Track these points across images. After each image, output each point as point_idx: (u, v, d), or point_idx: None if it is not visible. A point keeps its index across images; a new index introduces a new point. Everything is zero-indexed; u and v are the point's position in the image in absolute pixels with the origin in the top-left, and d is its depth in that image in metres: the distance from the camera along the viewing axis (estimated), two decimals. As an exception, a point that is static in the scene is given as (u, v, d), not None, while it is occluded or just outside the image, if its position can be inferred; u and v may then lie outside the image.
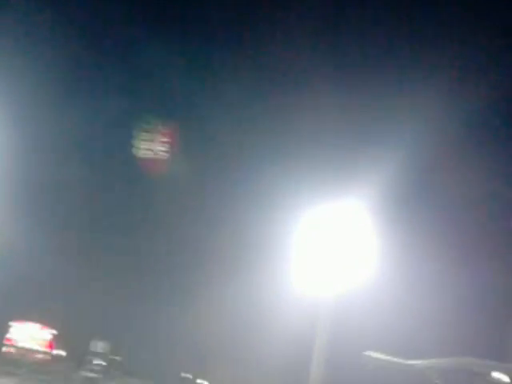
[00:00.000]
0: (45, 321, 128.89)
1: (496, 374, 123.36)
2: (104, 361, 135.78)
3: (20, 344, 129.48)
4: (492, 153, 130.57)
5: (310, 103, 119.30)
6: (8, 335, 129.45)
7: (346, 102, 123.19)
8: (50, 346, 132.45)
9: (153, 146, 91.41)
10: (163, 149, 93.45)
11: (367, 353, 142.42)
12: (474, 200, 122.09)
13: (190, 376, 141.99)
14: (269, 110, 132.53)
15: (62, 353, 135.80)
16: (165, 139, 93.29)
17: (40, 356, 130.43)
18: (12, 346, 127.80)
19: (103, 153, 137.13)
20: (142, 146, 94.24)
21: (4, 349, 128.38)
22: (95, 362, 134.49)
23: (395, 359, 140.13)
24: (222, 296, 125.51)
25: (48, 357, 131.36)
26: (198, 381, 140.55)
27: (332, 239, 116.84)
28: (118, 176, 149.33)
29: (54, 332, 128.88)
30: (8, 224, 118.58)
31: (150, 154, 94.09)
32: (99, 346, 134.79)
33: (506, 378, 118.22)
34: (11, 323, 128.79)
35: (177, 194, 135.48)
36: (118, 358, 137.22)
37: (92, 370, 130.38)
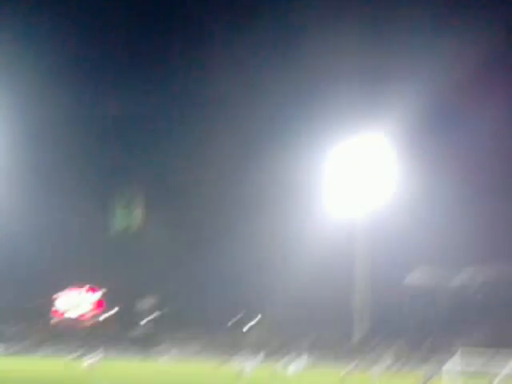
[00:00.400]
0: (93, 283, 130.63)
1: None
2: (154, 316, 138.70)
3: (67, 313, 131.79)
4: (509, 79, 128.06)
5: (334, 44, 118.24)
6: (55, 305, 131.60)
7: (367, 42, 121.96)
8: (99, 308, 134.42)
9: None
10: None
11: (407, 281, 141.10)
12: (492, 127, 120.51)
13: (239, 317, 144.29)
14: (297, 53, 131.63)
15: (112, 312, 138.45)
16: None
17: (89, 321, 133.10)
18: (60, 316, 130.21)
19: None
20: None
21: (53, 319, 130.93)
22: (145, 318, 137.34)
23: (433, 282, 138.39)
24: (261, 231, 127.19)
25: (97, 319, 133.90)
26: (252, 322, 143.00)
27: (360, 166, 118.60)
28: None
29: (100, 294, 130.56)
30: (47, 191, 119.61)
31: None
32: (148, 302, 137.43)
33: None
34: (59, 293, 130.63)
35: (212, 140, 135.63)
36: (166, 311, 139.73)
37: (143, 327, 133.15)
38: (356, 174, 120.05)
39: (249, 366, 69.37)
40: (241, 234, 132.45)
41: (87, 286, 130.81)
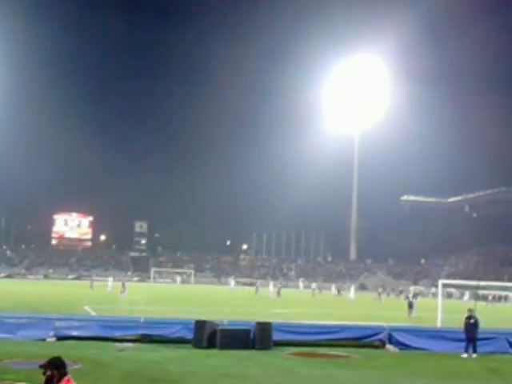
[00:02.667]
0: (86, 209, 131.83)
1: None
2: (147, 240, 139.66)
3: (66, 235, 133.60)
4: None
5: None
6: (54, 228, 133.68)
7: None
8: (92, 233, 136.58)
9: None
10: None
11: (403, 197, 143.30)
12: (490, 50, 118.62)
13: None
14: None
15: (103, 237, 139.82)
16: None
17: (84, 244, 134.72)
18: (59, 237, 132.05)
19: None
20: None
21: (53, 241, 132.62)
22: (139, 241, 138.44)
23: (430, 199, 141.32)
24: (260, 151, 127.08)
25: (92, 243, 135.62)
26: (244, 246, 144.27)
27: (356, 87, 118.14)
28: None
29: (92, 219, 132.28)
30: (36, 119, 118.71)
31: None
32: (141, 226, 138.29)
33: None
34: (56, 216, 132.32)
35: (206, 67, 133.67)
36: (158, 235, 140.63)
37: (137, 250, 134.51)
38: (353, 94, 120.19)
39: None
40: (239, 155, 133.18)
41: (81, 213, 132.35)
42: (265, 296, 64.26)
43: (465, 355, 22.39)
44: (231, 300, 55.05)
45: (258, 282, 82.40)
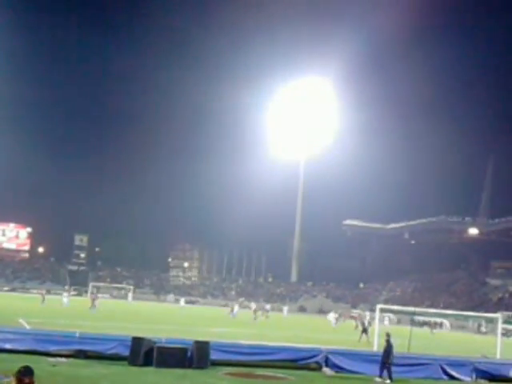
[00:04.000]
0: (23, 220, 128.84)
1: (472, 230, 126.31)
2: (87, 253, 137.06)
3: (2, 245, 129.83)
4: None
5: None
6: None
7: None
8: (30, 245, 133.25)
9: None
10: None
11: (346, 221, 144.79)
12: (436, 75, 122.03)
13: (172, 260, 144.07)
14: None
15: (41, 249, 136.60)
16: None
17: (22, 255, 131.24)
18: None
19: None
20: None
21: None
22: (79, 255, 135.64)
23: (372, 224, 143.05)
24: (206, 175, 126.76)
25: (29, 255, 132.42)
26: (185, 264, 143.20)
27: (302, 110, 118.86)
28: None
29: (30, 230, 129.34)
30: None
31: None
32: (81, 239, 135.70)
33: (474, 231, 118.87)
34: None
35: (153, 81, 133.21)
36: (98, 249, 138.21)
37: (76, 263, 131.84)
38: (299, 118, 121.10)
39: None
40: (184, 175, 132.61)
41: (18, 224, 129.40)
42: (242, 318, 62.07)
43: (378, 379, 22.59)
44: (181, 319, 54.49)
45: (232, 303, 78.34)
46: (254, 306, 70.49)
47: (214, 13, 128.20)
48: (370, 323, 44.98)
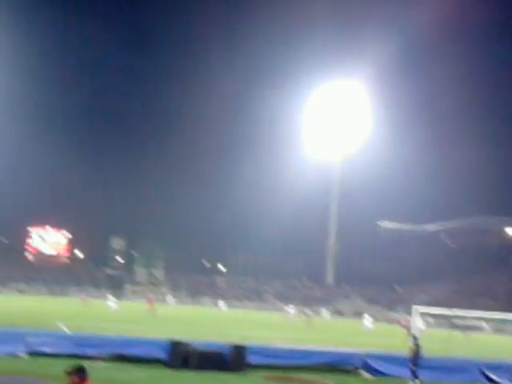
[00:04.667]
0: (62, 224, 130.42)
1: (509, 229, 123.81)
2: (123, 257, 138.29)
3: (42, 250, 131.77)
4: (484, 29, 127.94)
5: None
6: (30, 243, 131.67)
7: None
8: (68, 249, 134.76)
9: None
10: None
11: (382, 222, 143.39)
12: (469, 73, 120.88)
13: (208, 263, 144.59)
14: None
15: (79, 254, 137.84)
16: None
17: (60, 259, 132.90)
18: (35, 253, 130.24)
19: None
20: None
21: (27, 255, 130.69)
22: (115, 258, 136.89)
23: (407, 225, 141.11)
24: (240, 176, 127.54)
25: (68, 259, 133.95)
26: (221, 266, 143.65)
27: (336, 112, 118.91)
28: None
29: (68, 235, 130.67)
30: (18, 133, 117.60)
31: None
32: (118, 243, 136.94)
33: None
34: (31, 230, 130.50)
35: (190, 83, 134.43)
36: (135, 252, 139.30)
37: (113, 267, 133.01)
38: (333, 120, 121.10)
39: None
40: (219, 176, 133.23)
41: (57, 228, 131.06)
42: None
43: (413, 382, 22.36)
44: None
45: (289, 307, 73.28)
46: (306, 311, 67.33)
47: (250, 15, 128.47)
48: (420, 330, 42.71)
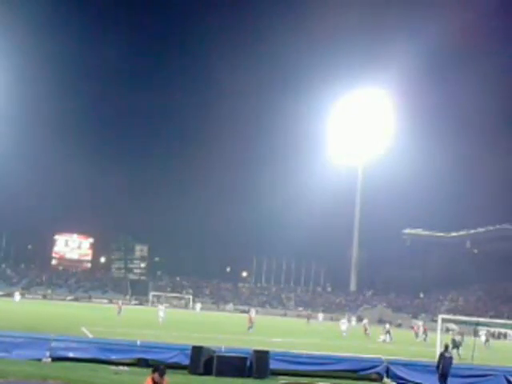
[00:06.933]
0: (85, 230, 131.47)
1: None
2: (147, 263, 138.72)
3: (66, 256, 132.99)
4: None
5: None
6: (55, 248, 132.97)
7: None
8: (92, 255, 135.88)
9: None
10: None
11: (406, 230, 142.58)
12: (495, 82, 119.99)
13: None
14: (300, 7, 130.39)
15: (103, 259, 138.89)
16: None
17: (84, 265, 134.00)
18: (59, 258, 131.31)
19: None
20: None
21: (53, 262, 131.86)
22: (139, 264, 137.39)
23: (433, 233, 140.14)
24: (265, 181, 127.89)
25: (91, 265, 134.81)
26: (244, 273, 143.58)
27: (361, 119, 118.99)
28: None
29: (92, 241, 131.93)
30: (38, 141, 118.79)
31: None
32: (141, 249, 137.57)
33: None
34: (57, 236, 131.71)
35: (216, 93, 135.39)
36: (158, 259, 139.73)
37: (136, 273, 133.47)
38: (358, 128, 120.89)
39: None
40: (242, 183, 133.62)
41: (81, 234, 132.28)
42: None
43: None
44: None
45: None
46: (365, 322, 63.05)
47: (278, 24, 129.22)
48: (461, 339, 41.52)
